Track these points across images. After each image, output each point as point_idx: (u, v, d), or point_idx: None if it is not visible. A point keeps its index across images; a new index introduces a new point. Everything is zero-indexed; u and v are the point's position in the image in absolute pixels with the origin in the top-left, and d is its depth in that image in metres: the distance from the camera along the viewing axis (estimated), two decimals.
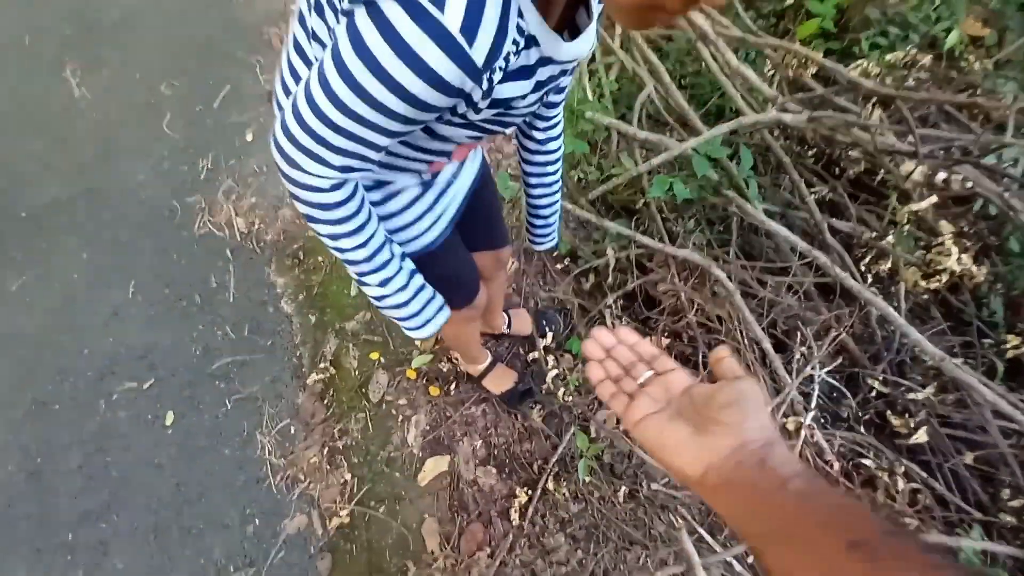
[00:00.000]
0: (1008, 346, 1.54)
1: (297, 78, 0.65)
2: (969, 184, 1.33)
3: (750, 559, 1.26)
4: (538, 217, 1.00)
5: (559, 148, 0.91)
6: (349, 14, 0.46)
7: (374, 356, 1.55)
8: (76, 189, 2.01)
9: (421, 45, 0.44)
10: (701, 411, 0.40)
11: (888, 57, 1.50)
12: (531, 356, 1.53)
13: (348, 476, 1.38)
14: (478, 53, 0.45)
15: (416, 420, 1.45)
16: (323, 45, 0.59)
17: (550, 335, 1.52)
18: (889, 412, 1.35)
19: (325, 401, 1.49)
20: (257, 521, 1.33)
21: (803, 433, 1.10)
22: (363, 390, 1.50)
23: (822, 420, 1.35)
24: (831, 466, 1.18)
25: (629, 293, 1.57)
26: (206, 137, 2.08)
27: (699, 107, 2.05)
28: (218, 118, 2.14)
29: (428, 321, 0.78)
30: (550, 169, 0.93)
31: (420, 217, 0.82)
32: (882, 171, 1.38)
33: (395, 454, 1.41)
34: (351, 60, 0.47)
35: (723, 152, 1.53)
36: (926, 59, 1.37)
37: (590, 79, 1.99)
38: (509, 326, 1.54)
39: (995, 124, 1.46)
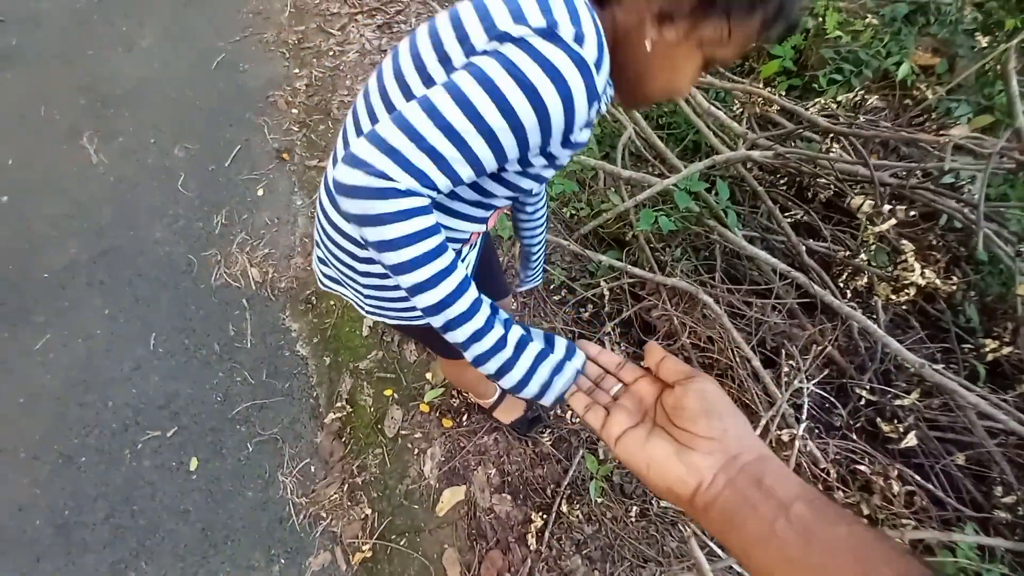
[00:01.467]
0: (987, 350, 1.64)
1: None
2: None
3: None
4: (529, 259, 1.11)
5: (544, 203, 1.02)
6: (494, 51, 0.55)
7: (388, 392, 1.63)
8: (95, 250, 2.12)
9: (566, 68, 0.53)
10: (676, 422, 0.39)
11: (840, 98, 1.67)
12: None
13: (368, 511, 1.43)
14: (600, 82, 0.56)
15: (431, 452, 1.51)
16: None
17: None
18: (879, 419, 1.42)
19: (343, 439, 1.55)
20: (283, 561, 1.37)
21: (797, 444, 1.17)
22: (379, 426, 1.56)
23: (816, 430, 1.43)
24: (827, 473, 1.25)
25: (625, 320, 1.67)
26: (219, 194, 2.21)
27: (677, 143, 2.22)
28: (230, 176, 2.28)
29: (544, 387, 0.55)
30: (538, 216, 1.03)
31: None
32: (848, 196, 1.51)
33: (413, 487, 1.46)
34: (498, 75, 0.53)
35: (701, 186, 1.67)
36: (873, 98, 1.53)
37: None
38: None
39: (947, 153, 1.60)
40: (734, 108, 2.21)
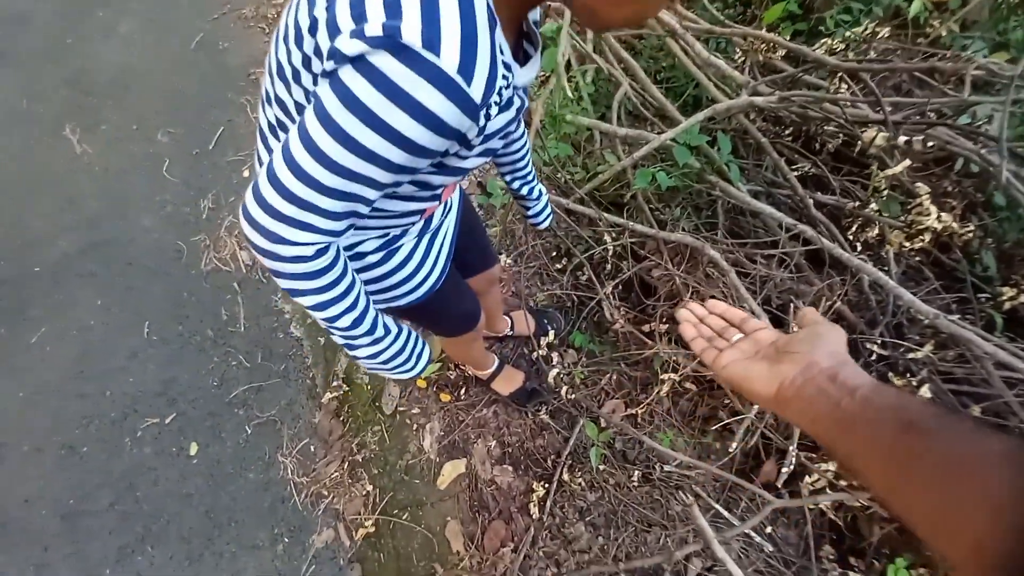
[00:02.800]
0: (1004, 298, 1.56)
1: (270, 149, 0.65)
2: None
3: (768, 529, 1.29)
4: (528, 201, 1.06)
5: (524, 143, 0.96)
6: (332, 73, 0.46)
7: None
8: (86, 241, 2.09)
9: (419, 90, 0.43)
10: (781, 351, 0.46)
11: (848, 33, 1.55)
12: (536, 354, 1.57)
13: (370, 487, 1.42)
14: (476, 91, 0.46)
15: (430, 427, 1.49)
16: (286, 112, 0.58)
17: (552, 333, 1.56)
18: (891, 373, 1.37)
19: (341, 418, 1.53)
20: (286, 539, 1.37)
21: None
22: (376, 404, 1.54)
23: None
24: None
25: (626, 283, 1.61)
26: (205, 178, 2.16)
27: (676, 99, 2.11)
28: (215, 159, 2.22)
29: (418, 359, 0.77)
30: (520, 164, 0.98)
31: (423, 263, 0.84)
32: (859, 142, 1.42)
33: (413, 462, 1.45)
34: (341, 115, 0.45)
35: (702, 139, 1.58)
36: (884, 31, 1.42)
37: (569, 82, 2.05)
38: (512, 328, 1.58)
39: (966, 85, 1.50)
40: (736, 58, 2.09)
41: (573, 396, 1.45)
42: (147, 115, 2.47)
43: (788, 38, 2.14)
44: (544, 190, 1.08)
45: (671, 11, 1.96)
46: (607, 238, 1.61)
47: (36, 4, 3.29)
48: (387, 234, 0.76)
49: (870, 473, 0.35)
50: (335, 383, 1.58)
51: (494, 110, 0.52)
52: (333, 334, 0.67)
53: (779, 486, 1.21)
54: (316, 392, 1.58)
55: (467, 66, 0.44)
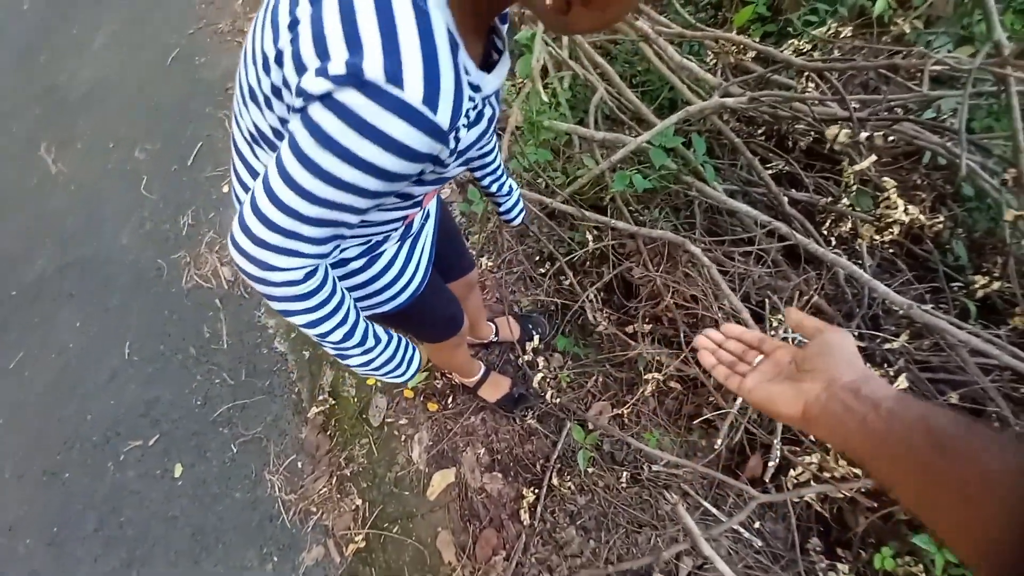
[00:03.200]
0: (977, 286, 1.60)
1: (250, 169, 0.66)
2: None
3: (756, 524, 1.30)
4: (499, 197, 1.07)
5: (494, 143, 0.98)
6: (301, 111, 0.47)
7: (371, 381, 1.59)
8: (62, 261, 2.06)
9: (387, 123, 0.45)
10: (801, 368, 0.46)
11: (814, 33, 1.59)
12: (522, 360, 1.58)
13: (359, 501, 1.41)
14: (443, 118, 0.47)
15: (419, 437, 1.49)
16: (261, 134, 0.59)
17: (537, 337, 1.57)
18: (868, 364, 1.39)
19: (328, 432, 1.52)
20: (276, 558, 1.35)
21: None
22: (364, 416, 1.53)
23: None
24: None
25: (608, 286, 1.62)
26: (184, 194, 2.14)
27: (652, 102, 2.14)
28: (193, 175, 2.21)
29: (409, 364, 0.81)
30: (489, 159, 0.98)
31: (404, 268, 0.85)
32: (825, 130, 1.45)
33: (402, 473, 1.44)
34: (316, 152, 0.47)
35: (677, 141, 1.61)
36: (847, 30, 1.45)
37: (545, 89, 2.07)
38: (497, 334, 1.58)
39: (924, 80, 1.54)
40: (708, 60, 2.13)
41: (559, 400, 1.46)
42: (123, 131, 2.44)
43: (758, 40, 2.19)
44: (515, 185, 1.08)
45: (643, 16, 1.99)
46: (588, 236, 1.62)
47: (8, 21, 3.24)
48: (369, 241, 0.77)
49: (902, 490, 0.36)
50: (321, 397, 1.57)
51: (463, 131, 0.54)
52: (325, 347, 0.69)
53: (766, 480, 1.22)
54: (302, 407, 1.57)
55: (432, 96, 0.45)
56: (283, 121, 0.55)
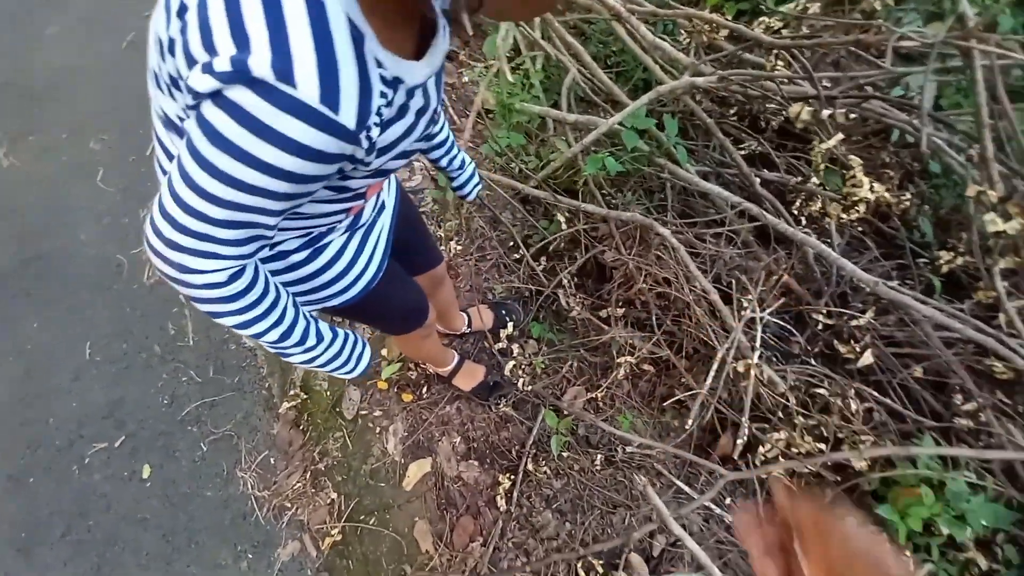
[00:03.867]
0: (942, 262, 1.63)
1: (167, 153, 0.62)
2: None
3: (727, 500, 1.32)
4: (453, 171, 1.04)
5: (442, 125, 0.94)
6: (195, 108, 0.44)
7: None
8: (18, 259, 1.97)
9: (283, 123, 0.41)
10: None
11: (782, 9, 1.58)
12: (496, 347, 1.57)
13: (334, 495, 1.39)
14: (347, 118, 0.43)
15: (393, 429, 1.47)
16: (168, 120, 0.55)
17: (511, 324, 1.56)
18: (836, 341, 1.42)
19: (300, 427, 1.50)
20: (250, 556, 1.34)
21: (752, 373, 1.15)
22: (337, 409, 1.51)
23: (774, 359, 1.41)
24: (787, 399, 1.24)
25: (582, 270, 1.61)
26: (144, 186, 2.06)
27: (627, 83, 2.11)
28: (152, 165, 2.11)
29: (358, 360, 0.78)
30: (439, 138, 0.95)
31: (354, 261, 0.81)
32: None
33: (377, 465, 1.43)
34: (212, 154, 0.44)
35: (649, 123, 1.59)
36: (815, 7, 1.44)
37: (515, 72, 2.03)
38: (469, 324, 1.57)
39: (887, 56, 1.54)
40: (682, 39, 2.10)
41: (531, 387, 1.46)
42: (79, 122, 2.33)
43: (732, 17, 2.16)
44: (468, 159, 1.05)
45: None
46: (560, 219, 1.61)
47: None
48: (310, 233, 0.73)
49: None
50: (292, 392, 1.54)
51: (375, 131, 0.49)
52: (263, 346, 0.67)
53: (736, 458, 1.24)
54: (273, 403, 1.54)
55: (330, 94, 0.41)
56: (185, 110, 0.50)
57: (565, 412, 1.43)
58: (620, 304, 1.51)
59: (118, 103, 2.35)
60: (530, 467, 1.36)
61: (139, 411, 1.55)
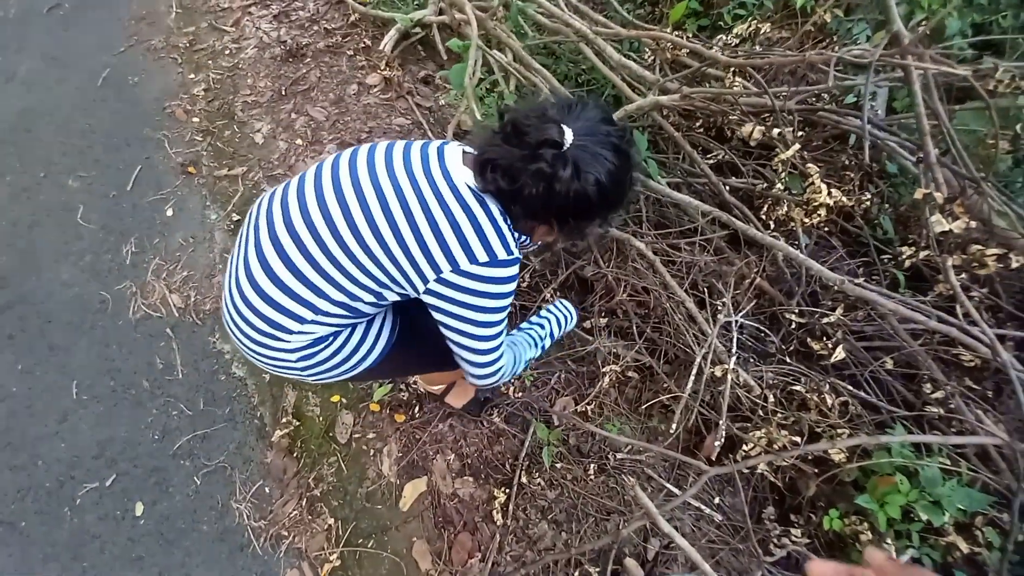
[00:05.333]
0: (904, 257, 1.71)
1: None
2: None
3: (716, 500, 1.37)
4: None
5: None
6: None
7: (335, 398, 1.58)
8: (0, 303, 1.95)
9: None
10: None
11: (736, 30, 1.67)
12: None
13: (331, 521, 1.40)
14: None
15: (388, 450, 1.49)
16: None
17: None
18: (809, 339, 1.48)
19: (295, 454, 1.51)
20: None
21: (729, 377, 1.21)
22: (330, 434, 1.52)
23: (751, 360, 1.47)
24: (764, 399, 1.30)
25: (564, 285, 1.66)
26: (125, 221, 2.06)
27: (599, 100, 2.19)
28: (134, 200, 2.12)
29: (568, 316, 1.17)
30: None
31: (377, 334, 1.00)
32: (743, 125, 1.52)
33: (373, 488, 1.44)
34: (484, 287, 0.80)
35: None
36: (766, 26, 1.53)
37: (490, 93, 2.09)
38: None
39: (830, 71, 1.63)
40: (646, 57, 2.19)
41: (521, 395, 1.49)
42: (55, 160, 2.33)
43: (693, 33, 2.27)
44: None
45: (583, 16, 2.03)
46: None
47: None
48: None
49: None
50: (284, 419, 1.55)
51: None
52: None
53: (712, 459, 1.28)
54: (265, 431, 1.55)
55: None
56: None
57: (556, 423, 1.46)
58: (603, 314, 1.55)
59: (95, 141, 2.35)
60: (524, 479, 1.39)
61: (130, 448, 1.55)
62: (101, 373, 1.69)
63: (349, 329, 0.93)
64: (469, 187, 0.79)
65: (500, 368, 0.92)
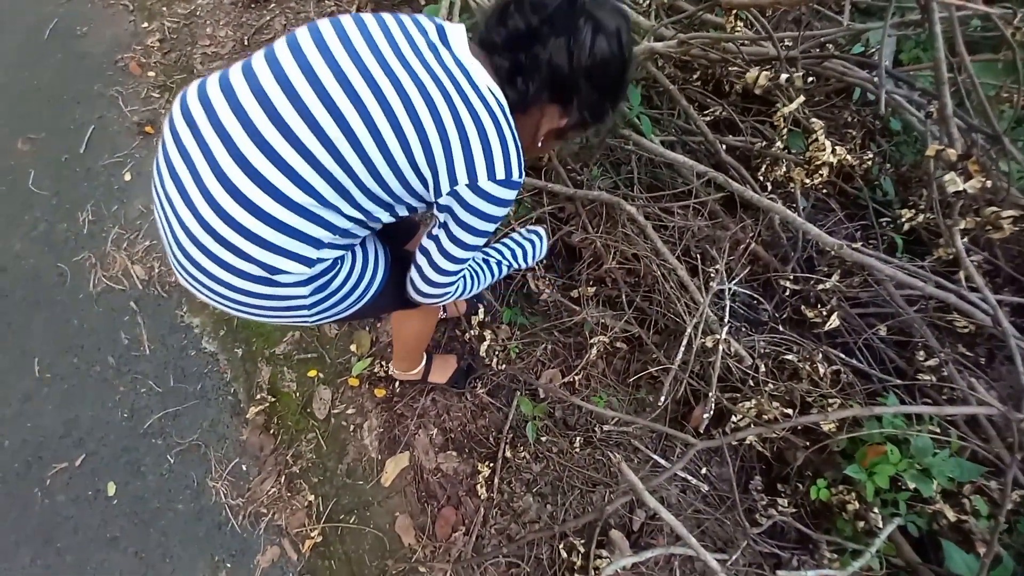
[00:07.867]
0: (903, 220, 1.64)
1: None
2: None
3: (703, 471, 1.35)
4: None
5: None
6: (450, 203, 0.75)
7: (312, 373, 1.52)
8: None
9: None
10: None
11: None
12: (468, 335, 1.54)
13: (311, 497, 1.37)
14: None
15: (368, 425, 1.44)
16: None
17: (482, 310, 1.52)
18: (803, 306, 1.43)
19: (271, 431, 1.46)
20: (229, 565, 1.31)
21: (720, 348, 1.15)
22: (307, 410, 1.47)
23: (743, 329, 1.42)
24: (756, 369, 1.25)
25: (550, 252, 1.58)
26: (80, 187, 1.91)
27: None
28: (88, 164, 1.97)
29: (536, 247, 1.09)
30: None
31: (376, 259, 0.91)
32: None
33: (354, 463, 1.40)
34: (488, 208, 0.75)
35: None
36: None
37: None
38: (444, 311, 1.53)
39: (846, 12, 1.50)
40: (641, 2, 2.02)
41: (505, 367, 1.44)
42: (2, 122, 2.14)
43: None
44: None
45: None
46: (525, 198, 1.56)
47: None
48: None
49: None
50: (259, 395, 1.49)
51: None
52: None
53: (701, 431, 1.25)
54: (240, 408, 1.49)
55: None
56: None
57: (541, 396, 1.41)
58: (591, 283, 1.48)
59: (42, 99, 2.16)
60: (508, 453, 1.36)
61: (97, 428, 1.48)
62: (63, 350, 1.60)
63: (351, 254, 0.85)
64: (491, 91, 0.72)
65: (452, 289, 0.88)
